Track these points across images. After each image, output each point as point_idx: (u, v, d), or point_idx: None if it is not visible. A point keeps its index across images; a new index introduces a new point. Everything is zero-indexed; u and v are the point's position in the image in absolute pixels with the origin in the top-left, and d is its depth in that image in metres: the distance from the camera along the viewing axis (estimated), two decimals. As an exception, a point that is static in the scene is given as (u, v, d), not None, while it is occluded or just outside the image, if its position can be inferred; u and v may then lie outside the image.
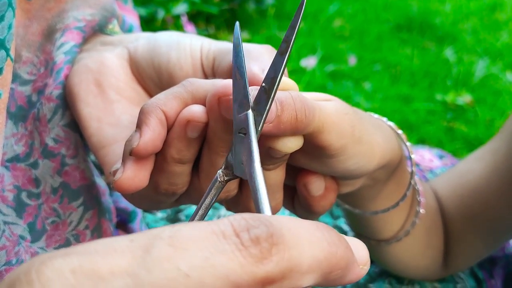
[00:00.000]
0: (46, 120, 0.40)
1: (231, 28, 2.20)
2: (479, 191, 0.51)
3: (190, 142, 0.32)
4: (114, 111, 0.38)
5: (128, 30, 0.50)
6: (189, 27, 1.86)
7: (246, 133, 0.28)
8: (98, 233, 0.44)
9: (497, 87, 2.02)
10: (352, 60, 2.14)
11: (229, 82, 0.31)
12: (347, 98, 1.84)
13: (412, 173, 0.44)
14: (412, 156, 0.44)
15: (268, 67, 0.29)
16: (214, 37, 2.03)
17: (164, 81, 0.38)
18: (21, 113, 0.40)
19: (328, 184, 0.36)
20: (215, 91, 0.30)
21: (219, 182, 0.30)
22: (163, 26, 1.82)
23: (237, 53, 0.30)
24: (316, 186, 0.36)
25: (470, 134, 1.73)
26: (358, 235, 0.51)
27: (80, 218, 0.43)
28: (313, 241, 0.20)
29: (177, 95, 0.32)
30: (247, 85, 0.29)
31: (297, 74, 1.98)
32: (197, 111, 0.31)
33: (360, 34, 2.42)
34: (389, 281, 0.57)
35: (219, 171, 0.30)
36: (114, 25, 0.46)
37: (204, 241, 0.18)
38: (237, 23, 0.32)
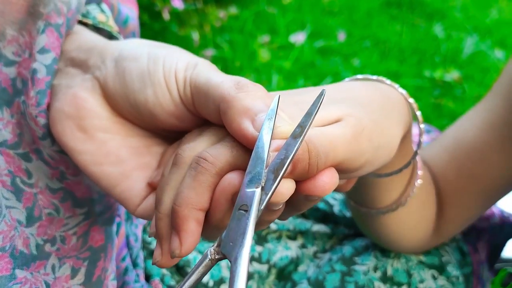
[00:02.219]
0: (36, 135, 0.38)
1: (220, 3, 2.17)
2: (476, 150, 0.51)
3: (231, 203, 0.31)
4: (110, 150, 0.36)
5: (124, 21, 0.49)
6: (177, 1, 1.83)
7: (248, 211, 0.28)
8: (84, 239, 0.43)
9: (485, 64, 2.02)
10: (342, 36, 2.13)
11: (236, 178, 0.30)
12: (336, 74, 1.83)
13: (419, 143, 0.45)
14: (421, 126, 0.44)
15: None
16: (202, 11, 2.00)
17: (146, 119, 0.36)
18: (5, 97, 0.39)
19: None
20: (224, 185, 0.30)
21: (209, 259, 0.29)
22: (150, 0, 1.78)
23: (269, 123, 0.29)
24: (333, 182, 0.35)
25: (458, 110, 1.74)
26: (355, 202, 0.51)
27: (75, 225, 0.43)
28: None
29: (207, 186, 0.31)
30: (264, 164, 0.28)
31: (285, 50, 1.96)
32: (235, 181, 0.30)
33: (350, 10, 2.40)
34: (374, 254, 0.57)
35: (210, 249, 0.29)
36: (108, 18, 0.44)
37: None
38: (278, 96, 0.31)
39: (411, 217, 0.51)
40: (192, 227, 0.30)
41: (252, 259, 0.59)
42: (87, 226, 0.43)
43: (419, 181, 0.48)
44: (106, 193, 0.37)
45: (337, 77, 1.81)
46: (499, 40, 2.19)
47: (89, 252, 0.44)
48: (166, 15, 1.79)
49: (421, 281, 0.56)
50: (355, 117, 0.33)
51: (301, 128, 0.29)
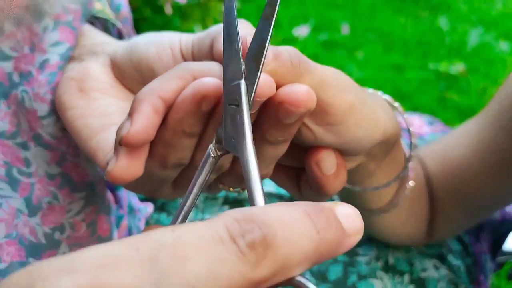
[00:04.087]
0: (37, 115, 0.39)
1: (222, -3, 2.17)
2: (461, 170, 0.50)
3: (201, 116, 0.30)
4: (98, 107, 0.37)
5: (116, 9, 0.49)
6: (179, -6, 1.82)
7: (239, 104, 0.26)
8: (93, 227, 0.44)
9: (490, 56, 2.01)
10: (345, 29, 2.12)
11: (211, 76, 0.29)
12: (340, 68, 1.81)
13: (411, 145, 0.44)
14: (411, 129, 0.44)
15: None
16: (205, 5, 2.00)
17: (145, 76, 0.36)
18: (2, 90, 0.39)
19: (339, 160, 0.35)
20: (196, 85, 0.29)
21: (212, 157, 0.28)
22: (153, -6, 1.78)
23: (229, 17, 0.28)
24: (329, 163, 0.34)
25: (463, 103, 1.73)
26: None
27: (80, 210, 0.43)
28: (302, 234, 0.20)
29: (176, 76, 0.30)
30: (240, 52, 0.27)
31: (289, 43, 1.96)
32: (209, 83, 0.29)
33: (354, 2, 2.39)
34: (376, 245, 0.57)
35: (211, 146, 0.28)
36: (104, 6, 0.44)
37: (205, 250, 0.19)
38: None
39: (399, 214, 0.50)
40: (146, 109, 0.29)
41: None
42: (93, 214, 0.44)
43: (411, 183, 0.47)
44: (81, 148, 0.37)
45: (341, 70, 1.80)
46: (504, 32, 2.18)
47: (97, 241, 0.44)
48: (168, 9, 1.79)
49: (423, 270, 0.56)
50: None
51: (271, 7, 0.28)
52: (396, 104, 0.42)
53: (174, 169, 0.33)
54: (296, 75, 0.29)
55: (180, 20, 1.90)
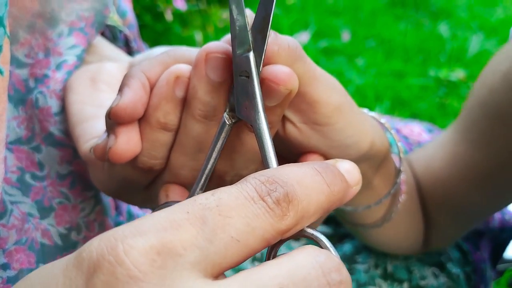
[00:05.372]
0: (51, 112, 0.40)
1: (222, 4, 2.17)
2: (443, 181, 0.50)
3: (177, 104, 0.31)
4: (99, 97, 0.38)
5: (122, 15, 0.50)
6: (179, 1, 1.83)
7: (249, 76, 0.28)
8: (102, 228, 0.44)
9: (490, 63, 2.01)
10: (346, 36, 2.12)
11: (221, 42, 0.30)
12: (340, 74, 1.83)
13: (400, 165, 0.44)
14: (399, 144, 0.43)
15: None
16: (205, 12, 2.01)
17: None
18: (19, 97, 0.40)
19: None
20: (205, 47, 0.30)
21: (228, 125, 0.30)
22: (152, 1, 1.79)
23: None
24: None
25: (463, 110, 1.73)
26: (341, 218, 0.51)
27: (92, 209, 0.43)
28: (316, 188, 0.24)
29: (161, 61, 0.32)
30: (248, 24, 0.28)
31: (289, 50, 1.96)
32: (184, 68, 0.31)
33: (354, 9, 2.39)
34: (374, 253, 0.57)
35: (225, 114, 0.30)
36: (113, 13, 0.46)
37: (242, 208, 0.22)
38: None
39: (398, 227, 0.50)
40: (134, 84, 0.31)
41: (254, 258, 0.58)
42: (102, 214, 0.44)
43: (403, 196, 0.46)
44: (70, 133, 0.38)
45: (341, 77, 1.80)
46: (504, 39, 2.18)
47: None
48: (169, 16, 1.79)
49: (422, 278, 0.55)
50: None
51: None
52: (383, 120, 0.42)
53: (142, 173, 0.34)
54: (291, 59, 0.30)
55: (180, 27, 1.91)
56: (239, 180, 0.24)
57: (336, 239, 0.62)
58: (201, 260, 0.21)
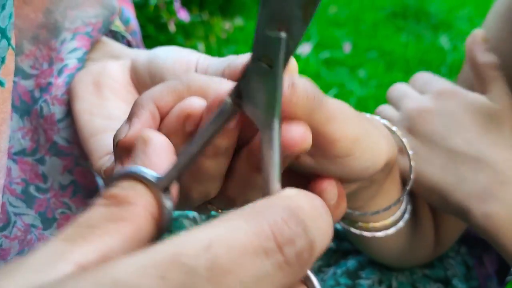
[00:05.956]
0: (54, 119, 0.40)
1: (225, 14, 2.19)
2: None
3: (186, 137, 0.29)
4: (107, 107, 0.38)
5: (125, 22, 0.50)
6: (182, 13, 1.84)
7: (273, 66, 0.20)
8: None
9: (491, 75, 2.02)
10: (347, 47, 2.13)
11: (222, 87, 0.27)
12: (341, 86, 1.83)
13: (410, 168, 0.44)
14: (410, 152, 0.44)
15: None
16: (208, 23, 2.01)
17: (156, 83, 0.37)
18: (25, 108, 0.41)
19: (339, 190, 0.33)
20: (217, 88, 0.27)
21: (230, 111, 0.23)
22: (156, 12, 1.80)
23: None
24: (332, 193, 0.33)
25: (464, 122, 1.73)
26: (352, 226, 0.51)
27: None
28: (328, 228, 0.19)
29: (173, 89, 0.29)
30: None
31: (291, 61, 1.97)
32: (196, 104, 0.28)
33: (355, 21, 2.40)
34: (379, 268, 0.57)
35: (227, 98, 0.23)
36: (116, 19, 0.46)
37: (246, 268, 0.16)
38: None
39: (407, 236, 0.50)
40: (144, 114, 0.29)
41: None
42: None
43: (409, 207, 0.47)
44: (82, 143, 0.38)
45: (342, 88, 1.81)
46: (505, 51, 2.19)
47: None
48: (172, 27, 1.80)
49: (427, 295, 0.55)
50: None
51: None
52: (394, 128, 0.42)
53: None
54: (309, 109, 0.27)
55: (183, 38, 1.91)
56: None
57: (340, 254, 0.62)
58: None
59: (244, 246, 0.16)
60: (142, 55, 0.39)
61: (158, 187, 0.21)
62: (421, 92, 0.51)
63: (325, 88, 1.79)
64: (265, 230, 0.17)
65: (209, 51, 1.93)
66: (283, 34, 0.20)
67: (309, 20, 0.20)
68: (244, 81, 0.22)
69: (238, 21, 2.21)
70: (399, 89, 0.53)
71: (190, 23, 1.94)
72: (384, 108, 0.52)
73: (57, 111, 0.40)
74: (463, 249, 0.61)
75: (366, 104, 1.75)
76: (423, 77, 0.53)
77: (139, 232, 0.19)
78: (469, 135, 0.45)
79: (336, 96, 1.75)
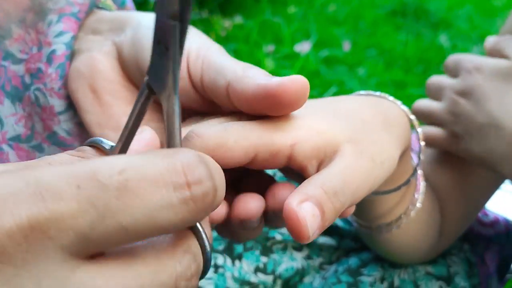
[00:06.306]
0: (54, 112, 0.40)
1: (225, 13, 2.18)
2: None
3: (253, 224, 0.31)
4: (113, 115, 0.37)
5: (121, 3, 0.49)
6: (182, 10, 1.83)
7: (168, 48, 0.23)
8: None
9: (491, 74, 2.01)
10: (347, 46, 2.13)
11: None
12: (341, 84, 1.83)
13: (419, 154, 0.44)
14: (422, 143, 0.44)
15: None
16: (207, 21, 2.01)
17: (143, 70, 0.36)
18: (16, 94, 0.40)
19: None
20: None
21: (145, 86, 0.26)
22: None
23: None
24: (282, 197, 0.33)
25: (463, 120, 1.73)
26: (359, 223, 0.51)
27: None
28: (224, 188, 0.21)
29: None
30: None
31: (290, 59, 1.97)
32: (252, 209, 0.30)
33: (355, 19, 2.40)
34: (381, 265, 0.57)
35: (146, 77, 0.25)
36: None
37: (153, 196, 0.18)
38: None
39: (419, 227, 0.50)
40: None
41: (257, 269, 0.58)
42: None
43: (418, 205, 0.47)
44: None
45: (342, 86, 1.81)
46: (504, 49, 2.19)
47: None
48: (171, 25, 1.80)
49: (429, 293, 0.55)
50: (353, 142, 0.32)
51: None
52: (412, 117, 0.41)
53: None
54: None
55: (182, 36, 1.90)
56: None
57: (341, 252, 0.62)
58: (76, 244, 0.18)
59: (155, 176, 0.19)
60: (126, 40, 0.37)
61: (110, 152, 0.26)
62: (454, 76, 0.52)
63: (325, 86, 1.79)
64: (177, 167, 0.19)
65: (209, 49, 1.92)
66: (177, 24, 0.23)
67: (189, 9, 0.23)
68: (151, 62, 0.25)
69: (238, 19, 2.21)
70: (434, 81, 0.54)
71: (190, 21, 1.93)
72: (424, 102, 0.53)
73: (56, 103, 0.39)
74: (466, 247, 0.61)
75: (366, 102, 1.75)
76: (453, 59, 0.54)
77: None
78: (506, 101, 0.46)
79: (336, 94, 1.75)
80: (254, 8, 2.35)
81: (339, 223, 0.62)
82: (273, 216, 0.32)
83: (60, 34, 0.40)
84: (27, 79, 0.40)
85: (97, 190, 0.18)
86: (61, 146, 0.41)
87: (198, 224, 0.22)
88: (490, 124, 0.46)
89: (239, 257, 0.58)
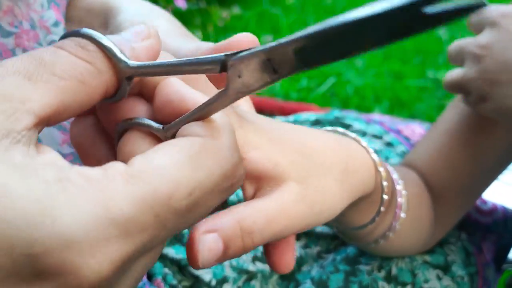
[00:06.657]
0: None
1: (223, 3, 2.17)
2: (452, 161, 0.54)
3: None
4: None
5: None
6: (180, 1, 1.83)
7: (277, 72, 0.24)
8: None
9: (488, 65, 2.01)
10: (345, 37, 2.13)
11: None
12: (339, 75, 1.83)
13: (379, 211, 0.42)
14: (385, 197, 0.41)
15: None
16: (205, 11, 2.00)
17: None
18: None
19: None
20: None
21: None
22: (153, 0, 1.78)
23: None
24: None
25: (461, 111, 1.73)
26: (345, 239, 0.50)
27: None
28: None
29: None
30: None
31: (289, 50, 1.96)
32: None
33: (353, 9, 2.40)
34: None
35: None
36: None
37: (213, 202, 0.23)
38: None
39: (409, 234, 0.50)
40: None
41: (255, 258, 0.58)
42: None
43: (402, 215, 0.45)
44: None
45: (340, 78, 1.81)
46: (502, 41, 2.19)
47: None
48: (169, 15, 1.79)
49: (426, 281, 0.56)
50: (301, 184, 0.31)
51: None
52: (381, 169, 0.39)
53: None
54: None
55: (180, 26, 1.89)
56: None
57: (339, 240, 0.62)
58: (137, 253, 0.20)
59: (214, 187, 0.22)
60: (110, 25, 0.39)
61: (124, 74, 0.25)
62: (479, 32, 0.51)
63: (323, 77, 1.79)
64: (227, 174, 0.23)
65: (207, 39, 1.91)
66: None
67: None
68: None
69: (236, 10, 2.20)
70: (456, 45, 0.54)
71: (188, 11, 1.93)
72: (450, 73, 0.54)
73: None
74: (463, 236, 0.62)
75: (364, 93, 1.75)
76: (476, 18, 0.53)
77: (93, 94, 0.23)
78: None
79: (334, 85, 1.75)
80: (252, -2, 2.34)
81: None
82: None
83: (56, 24, 0.40)
84: (19, 53, 0.39)
85: (171, 216, 0.20)
86: (61, 129, 0.41)
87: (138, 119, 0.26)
88: None
89: (238, 246, 0.58)
